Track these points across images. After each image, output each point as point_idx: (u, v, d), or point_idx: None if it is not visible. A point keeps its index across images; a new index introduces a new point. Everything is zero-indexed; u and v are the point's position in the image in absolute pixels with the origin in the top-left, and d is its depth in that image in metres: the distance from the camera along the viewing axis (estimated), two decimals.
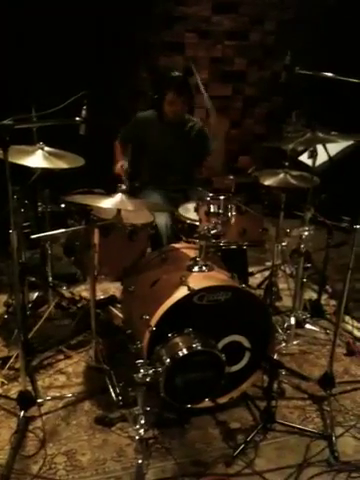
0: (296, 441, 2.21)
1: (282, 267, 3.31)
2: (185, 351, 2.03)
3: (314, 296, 3.28)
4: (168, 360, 2.02)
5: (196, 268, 2.31)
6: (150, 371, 2.02)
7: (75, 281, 3.32)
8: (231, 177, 2.61)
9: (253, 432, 2.18)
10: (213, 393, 2.15)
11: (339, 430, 2.25)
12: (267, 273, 3.31)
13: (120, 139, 3.29)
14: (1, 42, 3.50)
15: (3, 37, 3.51)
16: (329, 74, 2.30)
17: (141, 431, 2.02)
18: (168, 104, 3.10)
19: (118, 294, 3.12)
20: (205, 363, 2.07)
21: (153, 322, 2.13)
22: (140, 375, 2.02)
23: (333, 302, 3.33)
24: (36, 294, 3.04)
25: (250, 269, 3.33)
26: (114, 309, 3.04)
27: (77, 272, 3.33)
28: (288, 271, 3.38)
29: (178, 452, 2.12)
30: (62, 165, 2.42)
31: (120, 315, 2.90)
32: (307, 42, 4.06)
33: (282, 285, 3.33)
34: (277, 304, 3.22)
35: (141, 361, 2.06)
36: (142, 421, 2.03)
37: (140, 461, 1.97)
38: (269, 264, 3.26)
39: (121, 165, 3.15)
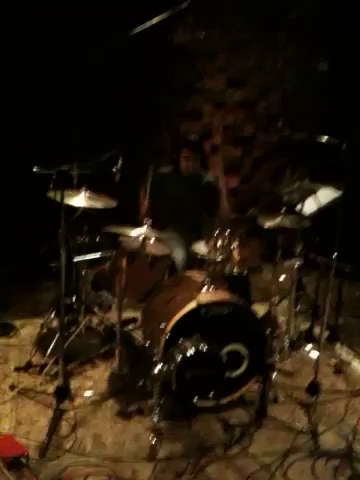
0: (285, 434, 2.63)
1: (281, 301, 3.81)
2: (193, 351, 2.51)
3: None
4: (179, 358, 2.50)
5: (204, 288, 2.81)
6: (164, 367, 2.52)
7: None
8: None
9: (248, 423, 2.63)
10: (215, 388, 2.59)
11: (322, 427, 2.68)
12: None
13: (144, 188, 3.80)
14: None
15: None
16: (315, 136, 2.80)
17: (155, 418, 2.49)
18: (184, 159, 3.69)
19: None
20: (209, 362, 2.55)
21: (168, 329, 2.63)
22: (156, 371, 2.51)
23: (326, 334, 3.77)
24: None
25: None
26: (133, 333, 3.54)
27: (101, 303, 3.84)
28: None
29: (184, 438, 2.56)
30: (99, 205, 3.02)
31: (138, 337, 3.39)
32: (307, 109, 4.76)
33: (281, 318, 3.81)
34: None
35: (157, 358, 2.56)
36: (157, 410, 2.50)
37: (154, 441, 2.44)
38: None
39: (145, 211, 3.73)
